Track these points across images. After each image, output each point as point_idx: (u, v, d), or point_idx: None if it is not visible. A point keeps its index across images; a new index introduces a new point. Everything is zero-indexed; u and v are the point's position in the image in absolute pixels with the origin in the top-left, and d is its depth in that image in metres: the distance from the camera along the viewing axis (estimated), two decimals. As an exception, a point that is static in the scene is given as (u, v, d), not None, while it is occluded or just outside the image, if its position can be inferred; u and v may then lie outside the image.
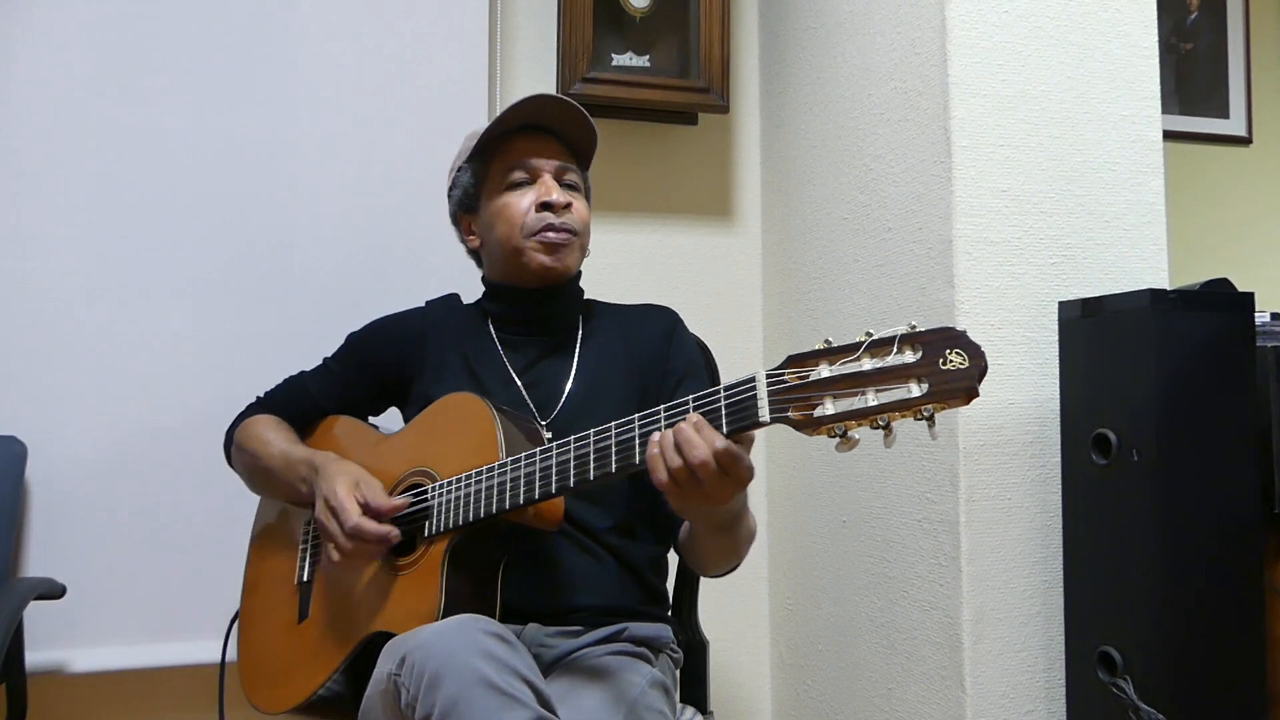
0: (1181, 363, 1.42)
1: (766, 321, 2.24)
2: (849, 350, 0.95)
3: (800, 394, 0.96)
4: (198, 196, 1.86)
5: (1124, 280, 1.63)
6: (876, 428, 0.93)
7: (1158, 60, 1.69)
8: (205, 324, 1.85)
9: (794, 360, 0.98)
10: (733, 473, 1.02)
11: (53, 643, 1.73)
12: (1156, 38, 1.69)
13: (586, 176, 1.49)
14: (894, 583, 1.72)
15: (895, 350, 0.92)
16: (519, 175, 1.40)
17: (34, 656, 1.68)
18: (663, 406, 1.07)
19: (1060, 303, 1.59)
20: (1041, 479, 1.58)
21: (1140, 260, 1.65)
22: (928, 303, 1.63)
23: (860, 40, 1.86)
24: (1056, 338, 1.59)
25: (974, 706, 1.54)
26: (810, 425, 0.95)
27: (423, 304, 1.54)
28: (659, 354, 1.43)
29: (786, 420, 0.96)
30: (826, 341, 0.97)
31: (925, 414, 0.91)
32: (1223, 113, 2.78)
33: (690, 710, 1.38)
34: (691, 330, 1.52)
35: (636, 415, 1.09)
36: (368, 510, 1.23)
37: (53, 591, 1.63)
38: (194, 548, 1.81)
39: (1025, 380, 1.59)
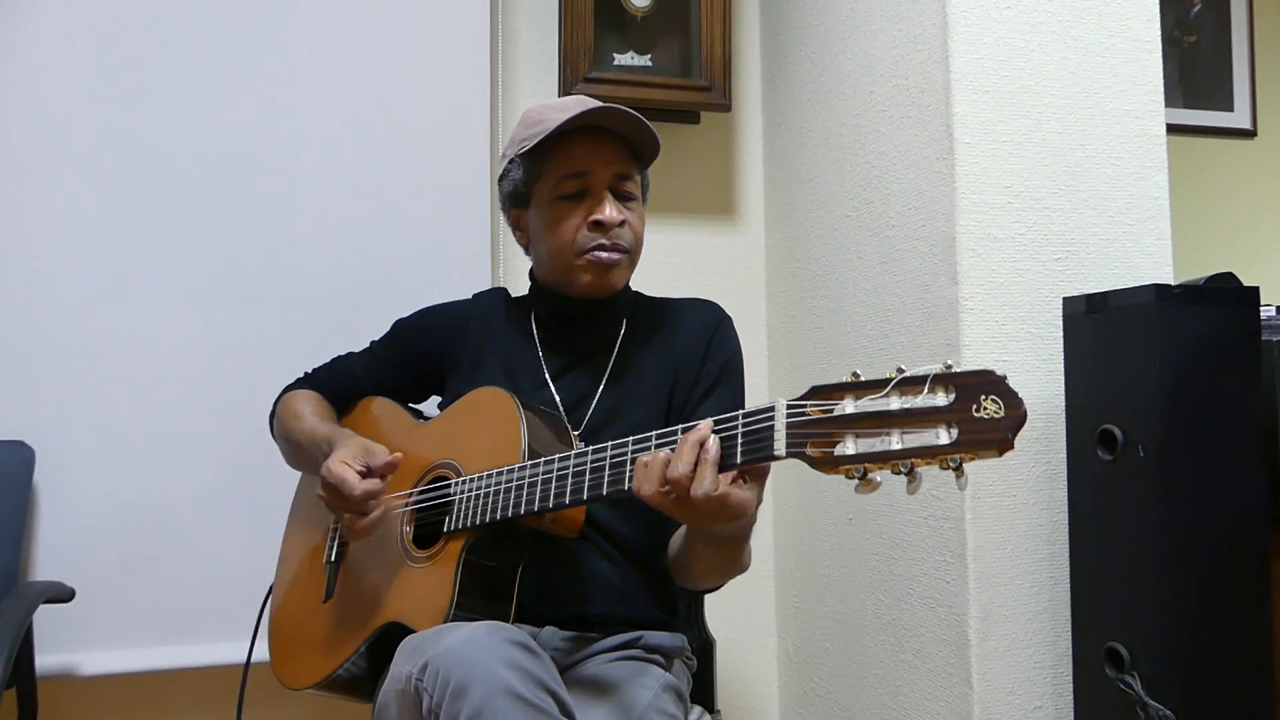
0: (1187, 358, 1.41)
1: (770, 319, 2.24)
2: (877, 386, 0.89)
3: (821, 430, 0.91)
4: (202, 200, 1.87)
5: (1128, 275, 1.62)
6: (899, 473, 0.87)
7: (1160, 54, 1.69)
8: (211, 327, 1.86)
9: (817, 391, 0.93)
10: (719, 517, 1.01)
11: (62, 646, 1.74)
12: (1159, 31, 1.69)
13: (645, 175, 1.42)
14: (901, 580, 1.72)
15: (926, 390, 0.86)
16: (572, 185, 1.33)
17: (43, 660, 1.69)
18: (681, 427, 1.04)
19: (1064, 298, 1.58)
20: (1047, 475, 1.58)
21: (1144, 255, 1.65)
22: (931, 299, 1.63)
23: (862, 37, 1.85)
24: (1061, 334, 1.58)
25: (981, 703, 1.54)
26: (828, 464, 0.90)
27: (469, 296, 1.53)
28: (697, 353, 1.40)
29: (803, 457, 0.92)
30: (854, 374, 0.92)
31: (953, 464, 0.85)
32: (1227, 106, 2.77)
33: (698, 709, 1.38)
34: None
35: (654, 434, 1.06)
36: (369, 474, 1.23)
37: (61, 595, 1.64)
38: (203, 551, 1.82)
39: (1030, 377, 1.58)
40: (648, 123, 1.34)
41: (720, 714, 1.53)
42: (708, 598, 1.58)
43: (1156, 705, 1.36)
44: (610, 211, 1.32)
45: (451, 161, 1.98)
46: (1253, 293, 1.47)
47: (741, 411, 0.99)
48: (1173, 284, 1.54)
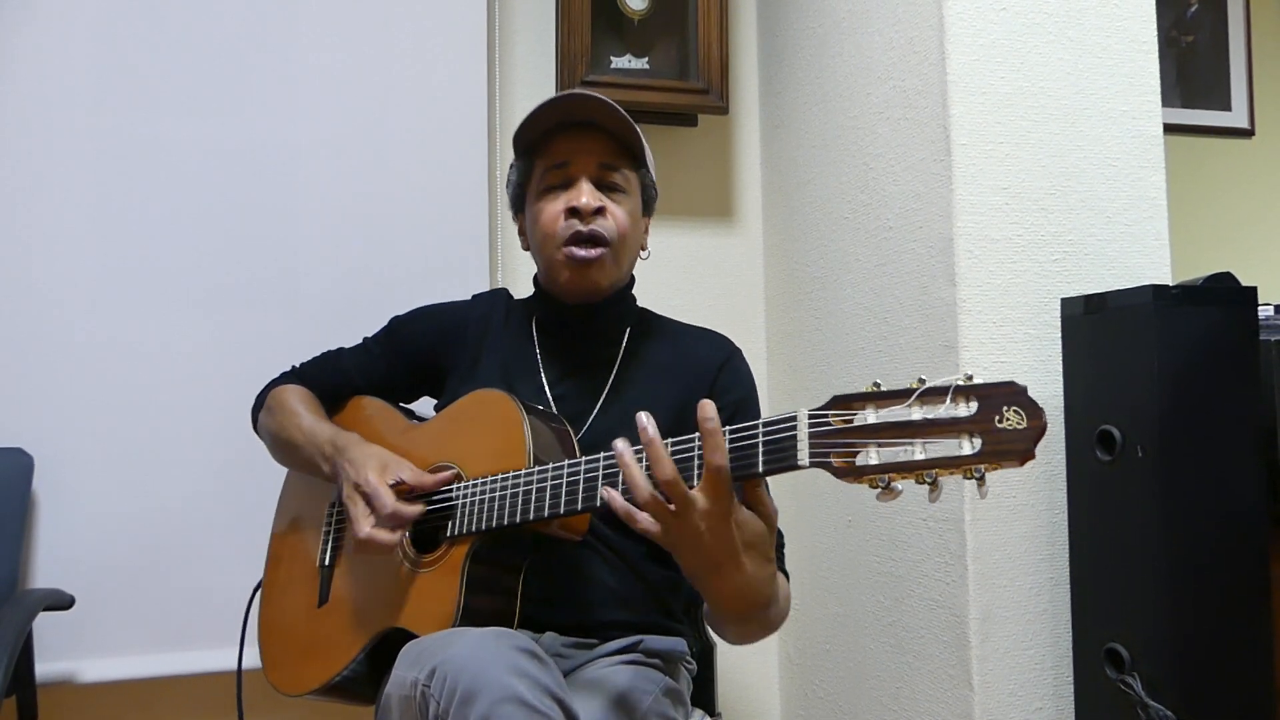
0: (1185, 358, 1.41)
1: (769, 322, 2.24)
2: (899, 396, 0.89)
3: (843, 439, 0.91)
4: (200, 206, 1.87)
5: (1126, 276, 1.62)
6: (922, 483, 0.88)
7: (1157, 54, 1.69)
8: (210, 333, 1.86)
9: (839, 401, 0.92)
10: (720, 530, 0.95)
11: (61, 653, 1.74)
12: (1156, 32, 1.69)
13: (644, 174, 1.38)
14: (900, 581, 1.71)
15: (948, 401, 0.87)
16: (556, 177, 1.32)
17: (43, 667, 1.69)
18: (696, 435, 1.01)
19: (1062, 299, 1.59)
20: (1046, 476, 1.58)
21: (1142, 255, 1.65)
22: (929, 301, 1.63)
23: (858, 39, 1.85)
24: (1059, 335, 1.58)
25: (982, 705, 1.54)
26: (851, 474, 0.90)
27: (469, 297, 1.50)
28: (707, 385, 1.34)
29: (827, 466, 0.91)
30: (875, 384, 0.91)
31: (976, 474, 0.86)
32: (1224, 105, 2.78)
33: (699, 713, 1.38)
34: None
35: (670, 440, 1.03)
36: (401, 488, 1.22)
37: (61, 602, 1.64)
38: (201, 557, 1.82)
39: (1028, 377, 1.58)
40: (619, 108, 1.31)
41: (721, 717, 1.52)
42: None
43: (1157, 706, 1.36)
44: (586, 197, 1.29)
45: (449, 166, 1.98)
46: (1251, 292, 1.47)
47: (762, 420, 0.98)
48: (1170, 284, 1.54)
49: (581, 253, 1.30)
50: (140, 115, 1.85)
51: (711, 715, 1.48)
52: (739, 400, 1.35)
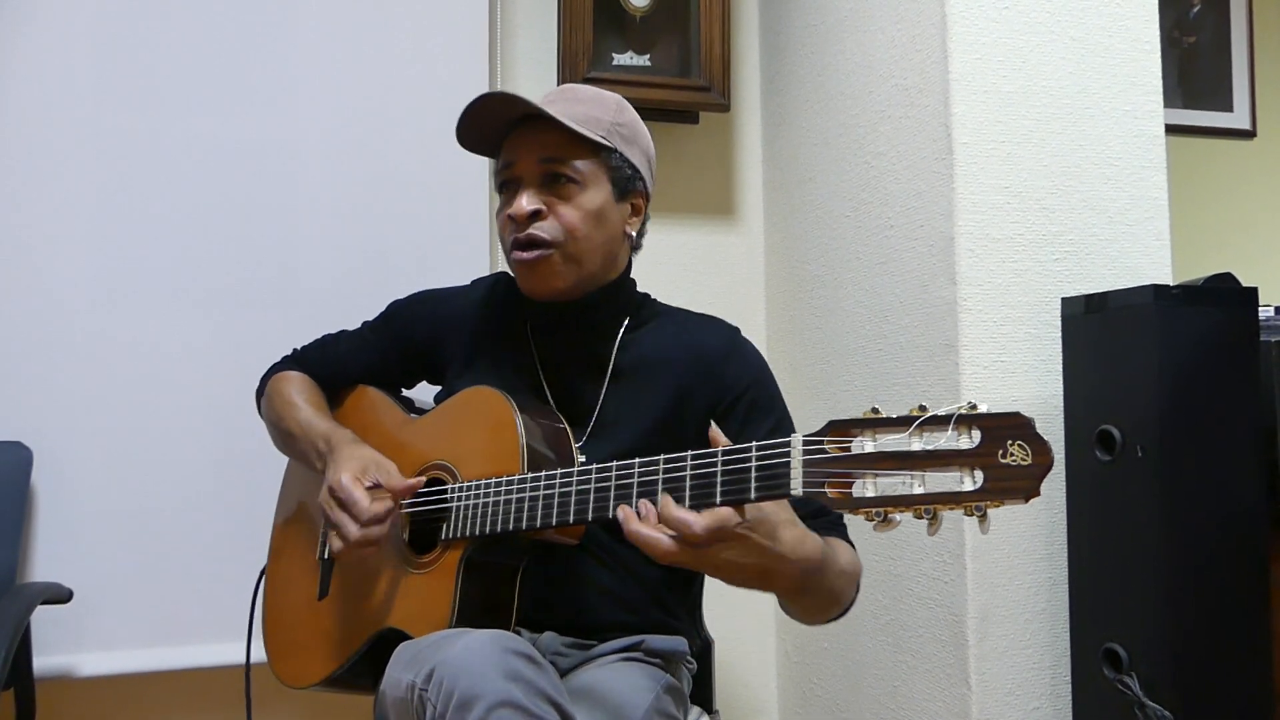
0: (1185, 358, 1.41)
1: (770, 320, 2.24)
2: (898, 425, 0.86)
3: (839, 468, 0.88)
4: (201, 202, 1.87)
5: (1127, 276, 1.62)
6: (920, 517, 0.85)
7: (1159, 54, 1.69)
8: (210, 328, 1.86)
9: (835, 427, 0.89)
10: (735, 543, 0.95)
11: (60, 647, 1.74)
12: (1158, 32, 1.69)
13: (609, 156, 1.28)
14: (899, 580, 1.72)
15: (950, 430, 0.84)
16: (505, 176, 1.29)
17: (41, 661, 1.69)
18: (690, 454, 1.00)
19: (1063, 299, 1.59)
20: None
21: (1143, 255, 1.65)
22: (930, 300, 1.63)
23: (861, 37, 1.85)
24: (1060, 334, 1.58)
25: (979, 703, 1.54)
26: (847, 506, 0.87)
27: (468, 283, 1.47)
28: (712, 375, 1.30)
29: (821, 497, 0.89)
30: (874, 410, 0.88)
31: (977, 511, 0.83)
32: (1226, 106, 2.78)
33: (697, 710, 1.38)
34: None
35: (662, 457, 1.02)
36: (376, 491, 1.21)
37: (59, 596, 1.64)
38: (200, 551, 1.82)
39: (1028, 377, 1.58)
40: (529, 102, 1.25)
41: (719, 714, 1.52)
42: (706, 599, 1.57)
43: (1155, 706, 1.36)
44: (520, 202, 1.24)
45: (451, 165, 1.96)
46: (1251, 293, 1.47)
47: (755, 444, 0.95)
48: (1171, 284, 1.55)
49: (522, 254, 1.26)
50: (141, 112, 1.84)
51: (709, 713, 1.47)
52: (750, 386, 1.30)
